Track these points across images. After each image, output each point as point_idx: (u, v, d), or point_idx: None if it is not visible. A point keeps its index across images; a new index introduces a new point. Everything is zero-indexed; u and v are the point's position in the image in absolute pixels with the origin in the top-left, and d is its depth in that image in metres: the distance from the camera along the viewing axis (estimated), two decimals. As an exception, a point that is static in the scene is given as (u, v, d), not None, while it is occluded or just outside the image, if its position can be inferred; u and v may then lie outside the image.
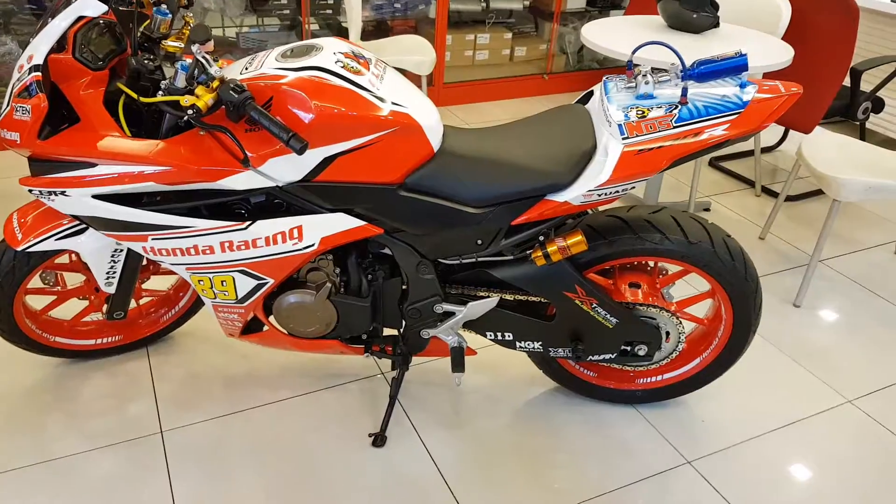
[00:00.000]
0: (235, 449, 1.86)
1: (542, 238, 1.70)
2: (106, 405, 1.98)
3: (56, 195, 1.59)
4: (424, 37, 3.76)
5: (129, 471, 1.78)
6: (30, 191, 1.62)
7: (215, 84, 1.46)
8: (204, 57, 1.46)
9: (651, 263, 1.88)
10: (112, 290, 1.84)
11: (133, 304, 2.14)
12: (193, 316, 2.22)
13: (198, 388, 2.05)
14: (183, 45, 1.65)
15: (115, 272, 1.81)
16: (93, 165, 1.54)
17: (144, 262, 1.98)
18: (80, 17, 1.47)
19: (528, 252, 1.72)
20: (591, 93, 1.80)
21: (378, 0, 4.10)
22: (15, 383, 2.03)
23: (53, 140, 1.52)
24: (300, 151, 1.42)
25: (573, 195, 1.59)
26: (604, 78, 1.71)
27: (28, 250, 1.73)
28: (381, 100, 1.56)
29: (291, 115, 1.50)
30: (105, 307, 1.97)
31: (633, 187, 1.61)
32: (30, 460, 1.80)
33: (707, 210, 3.25)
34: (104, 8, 1.43)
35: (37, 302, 2.24)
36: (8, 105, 1.53)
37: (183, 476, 1.78)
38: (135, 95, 1.56)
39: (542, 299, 1.80)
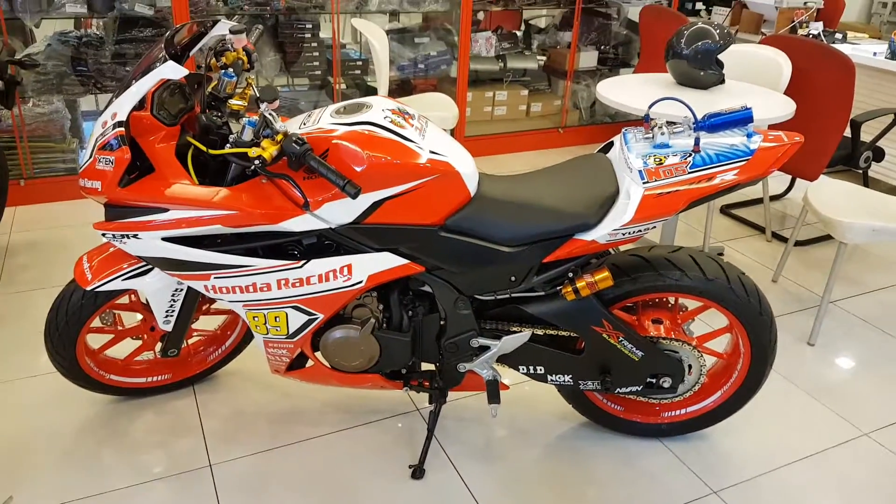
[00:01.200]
0: (280, 482, 1.97)
1: (571, 275, 1.84)
2: (156, 440, 2.09)
3: (128, 238, 1.75)
4: (446, 94, 3.98)
5: (180, 502, 1.89)
6: (103, 234, 1.78)
7: (279, 137, 1.63)
8: (270, 114, 1.64)
9: (672, 300, 2.00)
10: (169, 328, 1.99)
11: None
12: (238, 355, 2.35)
13: (243, 424, 2.17)
14: (245, 104, 1.84)
15: (173, 311, 1.96)
16: (165, 210, 1.70)
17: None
18: (160, 80, 1.66)
19: (558, 288, 1.86)
20: (612, 143, 1.96)
21: (403, 61, 4.35)
22: (71, 419, 2.16)
23: (132, 188, 1.69)
24: (354, 196, 1.58)
25: (600, 234, 1.74)
26: (623, 130, 1.88)
27: (96, 290, 1.88)
28: (424, 150, 1.73)
29: (346, 164, 1.67)
30: (159, 345, 2.11)
31: (654, 227, 1.75)
32: (85, 493, 1.91)
33: (721, 254, 3.39)
34: (185, 71, 1.62)
35: (93, 341, 2.38)
36: (91, 157, 1.70)
37: None
38: (204, 148, 1.73)
39: (572, 333, 1.92)
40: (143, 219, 1.72)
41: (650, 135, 1.79)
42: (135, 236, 1.74)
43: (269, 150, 1.62)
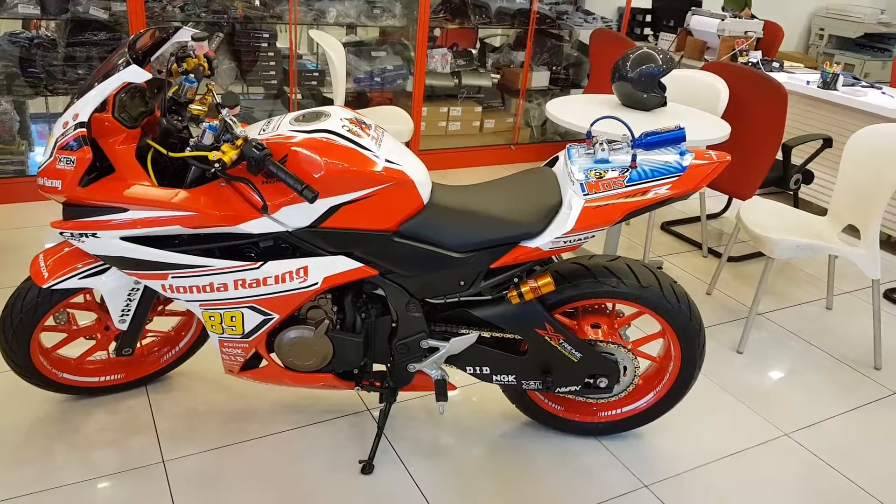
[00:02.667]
0: (233, 478, 2.01)
1: (516, 280, 1.95)
2: (109, 437, 2.11)
3: (87, 237, 1.79)
4: (401, 108, 4.08)
5: (134, 497, 1.92)
6: (61, 233, 1.81)
7: (239, 142, 1.70)
8: (231, 119, 1.71)
9: (609, 306, 2.13)
10: (125, 327, 2.02)
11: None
12: (192, 356, 2.38)
13: (196, 423, 2.20)
14: (205, 110, 1.90)
15: (129, 310, 1.99)
16: (124, 210, 1.75)
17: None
18: (122, 83, 1.71)
19: (504, 293, 1.96)
20: (557, 158, 2.09)
21: (359, 74, 4.44)
22: (23, 416, 2.16)
23: (92, 188, 1.73)
24: (312, 200, 1.66)
25: (543, 242, 1.85)
26: (567, 146, 2.00)
27: (52, 288, 1.91)
28: (380, 159, 1.82)
29: (304, 169, 1.74)
30: (114, 344, 2.14)
31: (594, 236, 1.88)
32: (36, 487, 1.92)
33: (660, 268, 3.55)
34: (147, 75, 1.67)
35: (47, 340, 2.38)
36: (51, 156, 1.74)
37: (185, 502, 1.92)
38: (164, 151, 1.78)
39: (516, 336, 2.03)
40: (103, 218, 1.76)
41: (591, 150, 1.92)
42: (93, 235, 1.78)
43: (229, 153, 1.68)
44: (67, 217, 1.80)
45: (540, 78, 5.04)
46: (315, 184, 1.74)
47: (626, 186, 1.82)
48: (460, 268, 1.90)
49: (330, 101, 4.48)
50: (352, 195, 1.78)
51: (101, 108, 1.75)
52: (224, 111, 1.70)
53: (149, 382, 2.35)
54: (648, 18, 5.60)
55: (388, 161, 1.82)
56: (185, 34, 1.93)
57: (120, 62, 1.71)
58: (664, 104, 3.34)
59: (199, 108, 1.87)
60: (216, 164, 1.68)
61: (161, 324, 2.49)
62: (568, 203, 1.86)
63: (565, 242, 1.85)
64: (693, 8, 5.22)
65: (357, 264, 1.87)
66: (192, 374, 2.42)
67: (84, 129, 1.70)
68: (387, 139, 1.93)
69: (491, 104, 5.05)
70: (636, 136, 1.88)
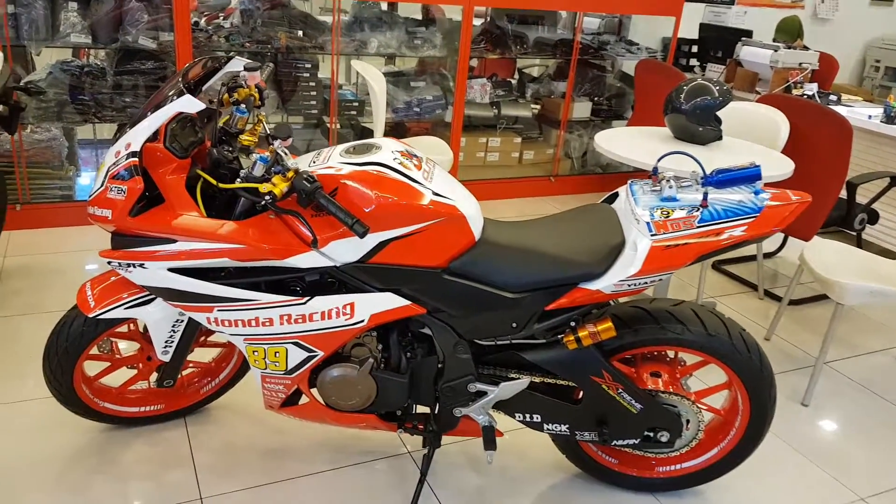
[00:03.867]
0: (270, 521, 1.92)
1: (573, 324, 1.84)
2: (147, 470, 2.04)
3: (134, 267, 1.73)
4: (440, 138, 4.03)
5: (168, 538, 1.84)
6: (108, 262, 1.76)
7: (290, 174, 1.64)
8: (283, 150, 1.65)
9: (671, 353, 2.01)
10: (167, 358, 1.96)
11: (175, 376, 2.24)
12: (231, 389, 2.32)
13: (234, 458, 2.12)
14: (256, 140, 1.85)
15: (173, 342, 1.93)
16: (172, 241, 1.70)
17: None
18: (175, 113, 1.66)
19: (559, 337, 1.86)
20: (616, 194, 1.99)
21: (398, 104, 4.41)
22: (63, 445, 2.11)
23: (142, 218, 1.68)
24: (362, 235, 1.59)
25: (605, 284, 1.75)
26: (629, 182, 1.91)
27: (98, 317, 1.86)
28: (433, 193, 1.74)
29: (354, 203, 1.68)
30: (155, 375, 2.08)
31: (661, 279, 1.77)
32: (69, 525, 1.85)
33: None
34: (201, 105, 1.63)
35: (89, 369, 2.33)
36: (102, 185, 1.70)
37: (220, 545, 1.83)
38: (214, 182, 1.73)
39: (571, 383, 1.92)
40: (150, 249, 1.71)
41: (658, 187, 1.82)
42: (140, 266, 1.73)
43: (279, 186, 1.62)
44: (116, 246, 1.75)
45: (581, 109, 4.97)
46: (365, 218, 1.68)
47: (698, 227, 1.71)
48: (513, 309, 1.80)
49: (369, 131, 4.46)
50: (402, 230, 1.71)
51: (153, 137, 1.71)
52: (276, 143, 1.65)
53: (188, 414, 2.28)
54: (694, 49, 5.51)
55: (439, 195, 1.75)
56: (237, 64, 1.90)
57: (172, 93, 1.67)
58: (719, 138, 3.23)
59: (250, 138, 1.83)
60: (266, 197, 1.62)
61: (202, 355, 2.43)
62: (632, 243, 1.76)
63: (630, 286, 1.75)
64: (743, 38, 5.11)
65: (404, 302, 1.78)
66: (231, 407, 2.35)
67: (136, 159, 1.66)
68: (438, 172, 1.86)
69: (530, 135, 4.98)
70: (707, 172, 1.78)
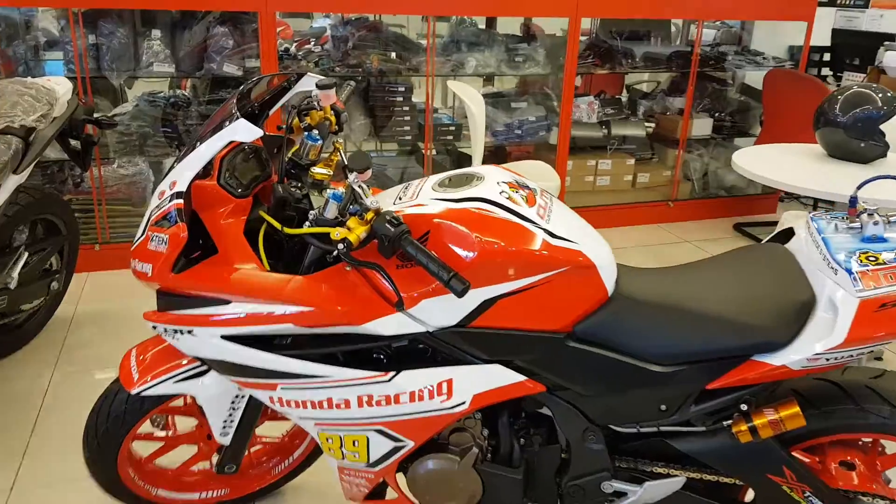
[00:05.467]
0: None
1: (743, 407, 1.38)
2: (206, 570, 1.72)
3: (182, 333, 1.42)
4: (545, 162, 3.63)
5: None
6: (153, 327, 1.46)
7: (369, 216, 1.28)
8: (360, 186, 1.30)
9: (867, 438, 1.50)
10: (227, 440, 1.63)
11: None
12: (308, 468, 1.97)
13: (308, 556, 1.77)
14: (331, 173, 1.51)
15: (232, 421, 1.60)
16: (226, 302, 1.37)
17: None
18: (230, 143, 1.34)
19: (725, 423, 1.40)
20: (789, 231, 1.52)
21: (498, 126, 4.04)
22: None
23: (188, 274, 1.36)
24: (461, 294, 1.21)
25: (793, 358, 1.28)
26: (810, 215, 1.44)
27: (143, 394, 1.55)
28: (552, 235, 1.34)
29: (450, 251, 1.30)
30: (216, 458, 1.76)
31: (871, 351, 1.28)
32: None
33: (879, 359, 2.81)
34: (259, 132, 1.30)
35: (141, 448, 2.06)
36: (143, 233, 1.40)
37: None
38: (278, 226, 1.40)
39: (738, 481, 1.45)
40: (201, 311, 1.39)
41: (856, 224, 1.34)
42: (189, 332, 1.41)
43: (356, 230, 1.27)
44: (162, 307, 1.44)
45: (701, 126, 4.43)
46: (465, 270, 1.29)
47: (931, 280, 1.23)
48: (662, 386, 1.36)
49: (467, 157, 4.11)
50: (513, 284, 1.32)
51: (206, 173, 1.40)
52: (352, 176, 1.30)
53: (258, 499, 1.94)
54: (827, 57, 4.86)
55: (559, 237, 1.35)
56: (308, 82, 1.57)
57: (228, 116, 1.35)
58: (884, 154, 2.67)
59: (324, 171, 1.49)
60: (339, 245, 1.27)
61: (271, 429, 2.09)
62: (827, 301, 1.29)
63: (828, 360, 1.28)
64: (886, 42, 4.45)
65: (517, 377, 1.38)
66: (308, 491, 1.99)
67: (181, 201, 1.34)
68: (556, 208, 1.45)
69: (643, 156, 4.48)
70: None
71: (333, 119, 1.57)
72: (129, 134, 3.36)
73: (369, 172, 1.31)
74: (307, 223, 1.35)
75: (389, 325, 1.34)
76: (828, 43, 4.83)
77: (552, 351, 1.37)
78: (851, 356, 1.27)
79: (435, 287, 1.32)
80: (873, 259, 1.28)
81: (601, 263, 1.36)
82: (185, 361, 1.56)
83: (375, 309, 1.33)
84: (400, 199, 1.43)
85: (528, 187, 1.45)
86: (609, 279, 1.38)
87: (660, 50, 4.34)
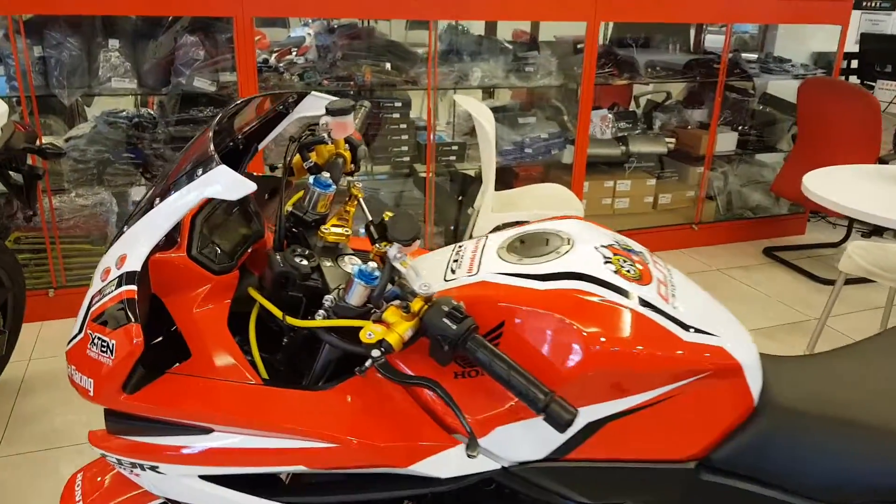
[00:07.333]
0: None
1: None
2: None
3: (143, 469, 0.97)
4: (559, 185, 3.23)
5: None
6: (103, 455, 1.01)
7: (417, 306, 0.85)
8: (403, 260, 0.87)
9: None
10: None
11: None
12: None
13: None
14: (349, 232, 1.08)
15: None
16: (206, 431, 0.93)
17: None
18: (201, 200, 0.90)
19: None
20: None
21: (506, 145, 3.63)
22: None
23: (146, 393, 0.92)
24: (565, 427, 0.78)
25: None
26: None
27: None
28: (682, 326, 0.92)
29: (538, 355, 0.87)
30: None
31: None
32: None
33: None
34: (252, 187, 0.86)
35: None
36: (81, 330, 0.95)
37: None
38: (279, 314, 0.96)
39: None
40: (168, 441, 0.94)
41: None
42: (154, 468, 0.96)
43: (397, 327, 0.84)
44: (113, 430, 0.99)
45: (725, 141, 4.06)
46: (563, 384, 0.87)
47: None
48: (836, 536, 0.95)
49: (471, 179, 3.69)
50: (630, 401, 0.90)
51: (169, 240, 0.96)
52: (393, 250, 0.86)
53: None
54: (854, 64, 4.53)
55: (695, 329, 0.93)
56: (315, 104, 1.14)
57: (203, 159, 0.91)
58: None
59: (340, 230, 1.05)
60: (376, 351, 0.84)
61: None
62: None
63: None
64: (925, 47, 4.12)
65: (631, 528, 0.95)
66: None
67: (132, 287, 0.89)
68: (679, 282, 1.03)
69: (663, 175, 4.10)
70: None
71: (348, 155, 1.14)
72: (85, 161, 2.88)
73: (417, 244, 0.87)
74: (321, 312, 0.92)
75: (449, 463, 0.91)
76: (854, 49, 4.49)
77: (679, 488, 0.96)
78: None
79: (514, 407, 0.90)
80: None
81: (747, 362, 0.95)
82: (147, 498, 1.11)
83: (429, 444, 0.90)
84: (452, 271, 1.00)
85: (633, 251, 1.03)
86: (755, 383, 0.97)
87: (678, 57, 3.96)
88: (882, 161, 3.47)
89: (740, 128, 4.16)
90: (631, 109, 4.27)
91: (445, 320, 0.83)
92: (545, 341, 0.88)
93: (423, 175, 3.44)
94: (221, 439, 0.92)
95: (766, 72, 4.07)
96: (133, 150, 2.98)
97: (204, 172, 0.86)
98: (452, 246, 1.08)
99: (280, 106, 1.12)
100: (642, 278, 0.96)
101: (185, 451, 0.94)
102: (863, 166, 2.52)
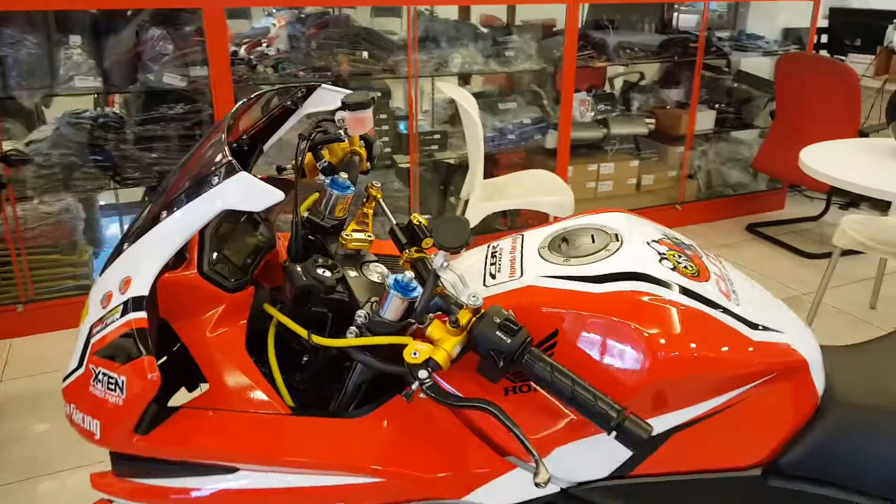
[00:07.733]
0: None
1: None
2: None
3: (156, 516, 0.87)
4: (540, 169, 3.16)
5: None
6: (109, 500, 0.90)
7: (465, 318, 0.77)
8: (446, 265, 0.78)
9: None
10: None
11: None
12: None
13: None
14: (372, 237, 0.98)
15: None
16: (231, 470, 0.83)
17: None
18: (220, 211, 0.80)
19: None
20: None
21: (488, 131, 3.54)
22: None
23: (162, 433, 0.81)
24: (639, 445, 0.71)
25: None
26: None
27: None
28: (748, 324, 0.85)
29: (597, 365, 0.79)
30: None
31: None
32: None
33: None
34: (279, 195, 0.76)
35: None
36: (81, 365, 0.84)
37: None
38: (303, 333, 0.86)
39: None
40: (189, 483, 0.84)
41: None
42: (168, 513, 0.86)
43: (444, 343, 0.76)
44: (120, 472, 0.89)
45: (704, 120, 4.03)
46: (629, 397, 0.79)
47: None
48: (914, 539, 0.89)
49: (453, 168, 3.60)
50: (696, 409, 0.83)
51: (178, 261, 0.86)
52: (439, 259, 0.77)
53: None
54: (825, 39, 4.53)
55: (759, 327, 0.86)
56: (325, 98, 1.03)
57: (214, 167, 0.80)
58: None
59: (362, 236, 0.96)
60: (422, 372, 0.75)
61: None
62: None
63: None
64: (895, 21, 4.13)
65: (697, 543, 0.88)
66: None
67: (143, 315, 0.79)
68: (736, 278, 0.96)
69: (643, 156, 4.05)
70: None
71: (364, 153, 1.04)
72: (49, 166, 2.72)
73: (463, 251, 0.78)
74: (353, 329, 0.83)
75: (506, 490, 0.82)
76: (824, 24, 4.50)
77: (745, 497, 0.89)
78: None
79: (573, 424, 0.82)
80: None
81: (813, 358, 0.88)
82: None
83: (481, 468, 0.82)
84: (492, 276, 0.91)
85: (684, 245, 0.95)
86: (820, 380, 0.90)
87: (652, 38, 3.91)
88: (862, 133, 3.47)
89: (717, 106, 4.14)
90: (611, 92, 4.21)
91: (499, 333, 0.75)
92: (606, 350, 0.80)
93: (404, 166, 3.34)
94: (249, 478, 0.82)
95: (739, 49, 4.04)
96: (100, 151, 2.82)
97: (221, 181, 0.75)
98: (485, 246, 0.99)
99: (287, 101, 1.01)
100: (700, 274, 0.88)
101: (207, 493, 0.84)
102: (860, 140, 2.49)
